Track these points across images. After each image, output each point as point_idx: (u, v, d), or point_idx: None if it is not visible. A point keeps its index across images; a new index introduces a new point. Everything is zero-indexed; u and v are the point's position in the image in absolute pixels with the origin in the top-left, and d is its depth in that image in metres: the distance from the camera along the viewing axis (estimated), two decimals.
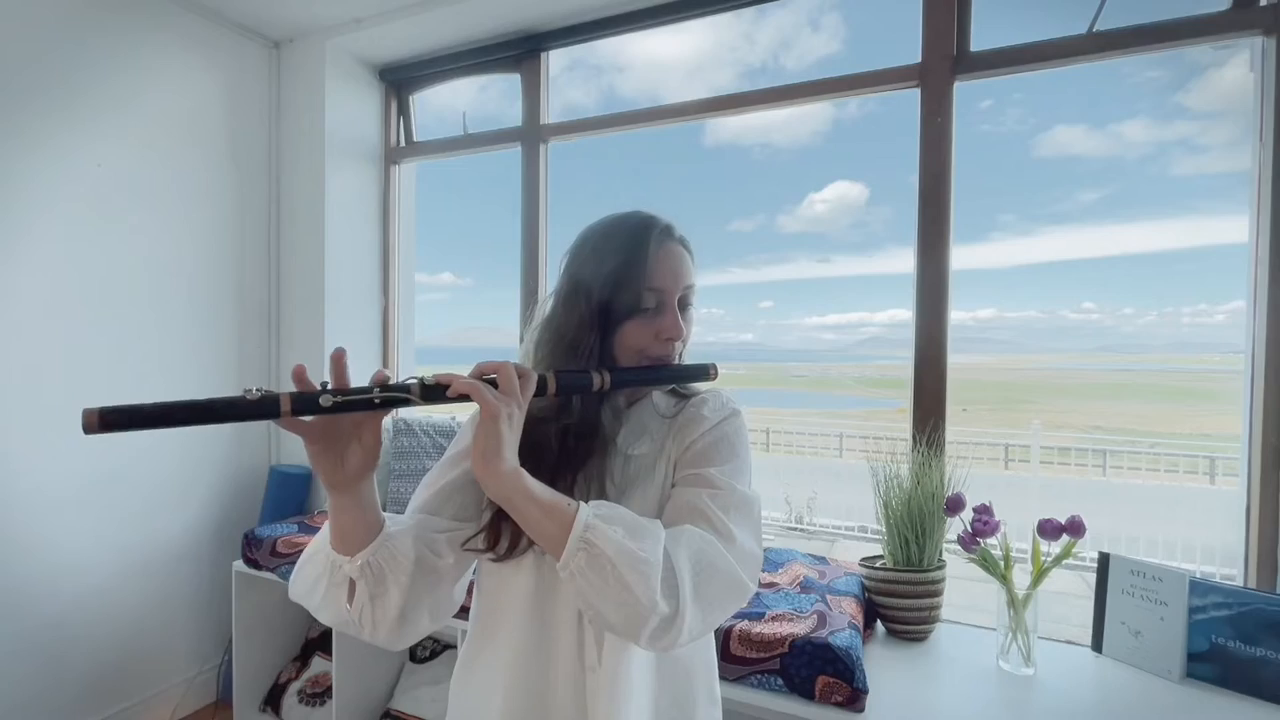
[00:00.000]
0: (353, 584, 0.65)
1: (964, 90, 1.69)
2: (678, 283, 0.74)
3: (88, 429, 0.51)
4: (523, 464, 0.62)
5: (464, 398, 0.60)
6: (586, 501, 0.63)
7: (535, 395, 0.65)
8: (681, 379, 0.78)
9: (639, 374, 0.74)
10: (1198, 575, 1.30)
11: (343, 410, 0.58)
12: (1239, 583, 1.45)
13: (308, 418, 0.58)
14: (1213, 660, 1.23)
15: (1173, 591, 1.27)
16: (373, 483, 0.66)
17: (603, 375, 0.68)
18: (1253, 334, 1.46)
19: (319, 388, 0.58)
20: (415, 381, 0.60)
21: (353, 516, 0.65)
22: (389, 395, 0.59)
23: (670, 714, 0.74)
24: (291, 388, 0.59)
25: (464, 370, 0.64)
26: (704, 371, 0.77)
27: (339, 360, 0.61)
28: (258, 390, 0.55)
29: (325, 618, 0.69)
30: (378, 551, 0.65)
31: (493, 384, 0.61)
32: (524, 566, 0.73)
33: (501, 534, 0.71)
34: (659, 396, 0.80)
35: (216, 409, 0.54)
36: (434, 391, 0.60)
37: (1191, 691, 1.21)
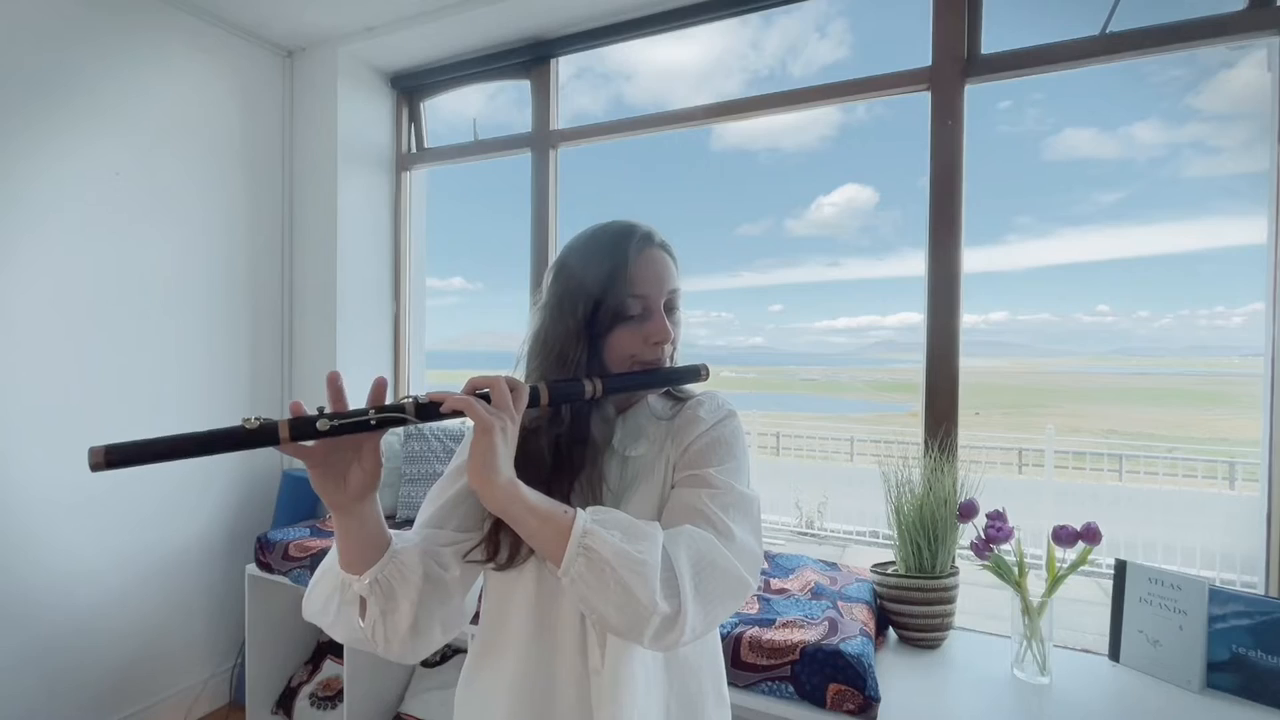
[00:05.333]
0: (364, 601, 0.66)
1: (982, 91, 1.68)
2: (661, 287, 0.76)
3: (94, 467, 0.52)
4: (518, 475, 0.62)
5: (459, 413, 0.61)
6: (584, 508, 0.63)
7: (529, 406, 0.65)
8: (673, 382, 0.79)
9: (631, 379, 0.75)
10: (1217, 583, 1.28)
11: (340, 433, 0.59)
12: (1260, 591, 1.42)
13: (308, 442, 0.60)
14: (1233, 670, 1.21)
15: (1192, 600, 1.24)
16: (376, 502, 0.67)
17: (594, 383, 0.69)
18: (1272, 336, 1.44)
19: (316, 413, 0.59)
20: (410, 400, 0.61)
21: (359, 536, 0.66)
22: (385, 415, 0.60)
23: (678, 715, 0.75)
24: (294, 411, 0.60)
25: (464, 379, 0.65)
26: (695, 373, 0.78)
27: (334, 382, 0.62)
28: (256, 419, 0.56)
29: (339, 635, 0.70)
30: (385, 568, 0.66)
31: (486, 398, 0.62)
32: (525, 573, 0.74)
33: (500, 544, 0.72)
34: (655, 399, 0.81)
35: (218, 440, 0.55)
36: (429, 410, 0.61)
37: (1211, 702, 1.19)
